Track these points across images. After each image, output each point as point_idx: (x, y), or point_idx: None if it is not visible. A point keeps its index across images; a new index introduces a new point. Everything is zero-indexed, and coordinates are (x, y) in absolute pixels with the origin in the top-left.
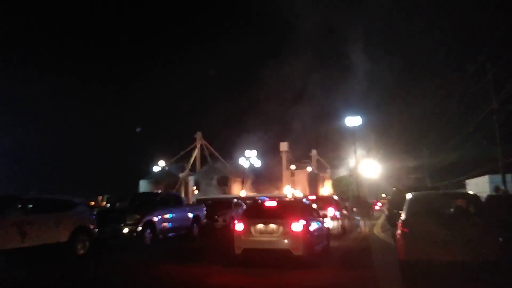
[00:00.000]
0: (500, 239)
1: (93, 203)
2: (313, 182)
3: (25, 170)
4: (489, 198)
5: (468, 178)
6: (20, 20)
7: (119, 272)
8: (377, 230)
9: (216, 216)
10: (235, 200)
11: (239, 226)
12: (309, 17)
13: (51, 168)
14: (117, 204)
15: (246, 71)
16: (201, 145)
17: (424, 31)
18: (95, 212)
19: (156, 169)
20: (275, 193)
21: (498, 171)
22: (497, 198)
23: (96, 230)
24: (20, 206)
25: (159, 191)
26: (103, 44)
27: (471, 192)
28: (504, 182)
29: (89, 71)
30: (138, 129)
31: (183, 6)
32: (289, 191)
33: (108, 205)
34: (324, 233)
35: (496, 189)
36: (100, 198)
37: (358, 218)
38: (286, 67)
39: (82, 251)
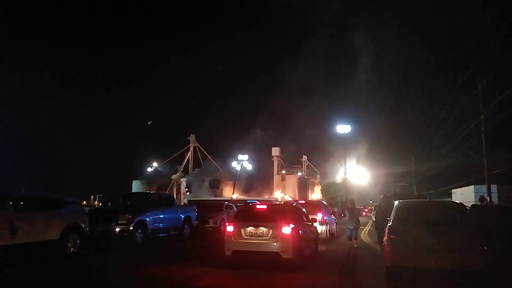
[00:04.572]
0: (485, 248)
1: (85, 202)
2: (303, 187)
3: (17, 168)
4: (473, 207)
5: (454, 188)
6: (20, 17)
7: (109, 271)
8: (364, 236)
9: (207, 218)
10: (226, 202)
11: (229, 228)
12: (307, 25)
13: (44, 167)
14: (109, 203)
15: (241, 75)
16: (194, 147)
17: (416, 44)
18: (86, 211)
19: (149, 170)
20: (266, 197)
21: (484, 182)
22: (482, 208)
23: (88, 229)
24: (11, 203)
25: (151, 192)
26: (99, 46)
27: (457, 201)
28: (489, 192)
29: (83, 72)
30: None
31: (175, 10)
32: (280, 195)
33: (100, 204)
34: (313, 237)
35: (481, 199)
36: (92, 197)
37: (350, 228)
38: (279, 73)
39: (72, 250)
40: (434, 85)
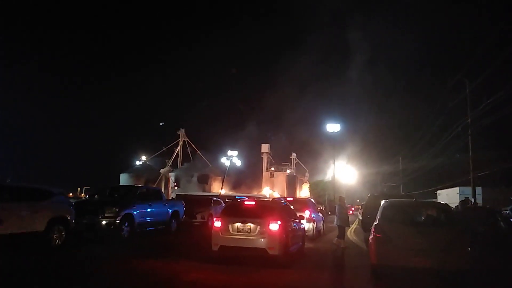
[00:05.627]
0: (469, 248)
1: (71, 194)
2: (292, 185)
3: (3, 158)
4: (456, 208)
5: (440, 189)
6: (12, 6)
7: (95, 265)
8: (350, 235)
9: (195, 213)
10: (214, 198)
11: (217, 224)
12: (299, 25)
13: (31, 158)
14: (96, 196)
15: (231, 70)
16: (184, 142)
17: (407, 45)
18: (73, 203)
19: (137, 163)
20: (255, 193)
21: (469, 184)
22: (466, 209)
23: (74, 221)
24: None
25: (139, 185)
26: (88, 40)
27: (442, 202)
28: (474, 194)
29: (72, 65)
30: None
31: (167, 4)
32: (268, 192)
33: (87, 196)
34: (300, 234)
35: (466, 201)
36: (79, 189)
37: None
38: (271, 71)
39: (58, 242)
40: (423, 87)
